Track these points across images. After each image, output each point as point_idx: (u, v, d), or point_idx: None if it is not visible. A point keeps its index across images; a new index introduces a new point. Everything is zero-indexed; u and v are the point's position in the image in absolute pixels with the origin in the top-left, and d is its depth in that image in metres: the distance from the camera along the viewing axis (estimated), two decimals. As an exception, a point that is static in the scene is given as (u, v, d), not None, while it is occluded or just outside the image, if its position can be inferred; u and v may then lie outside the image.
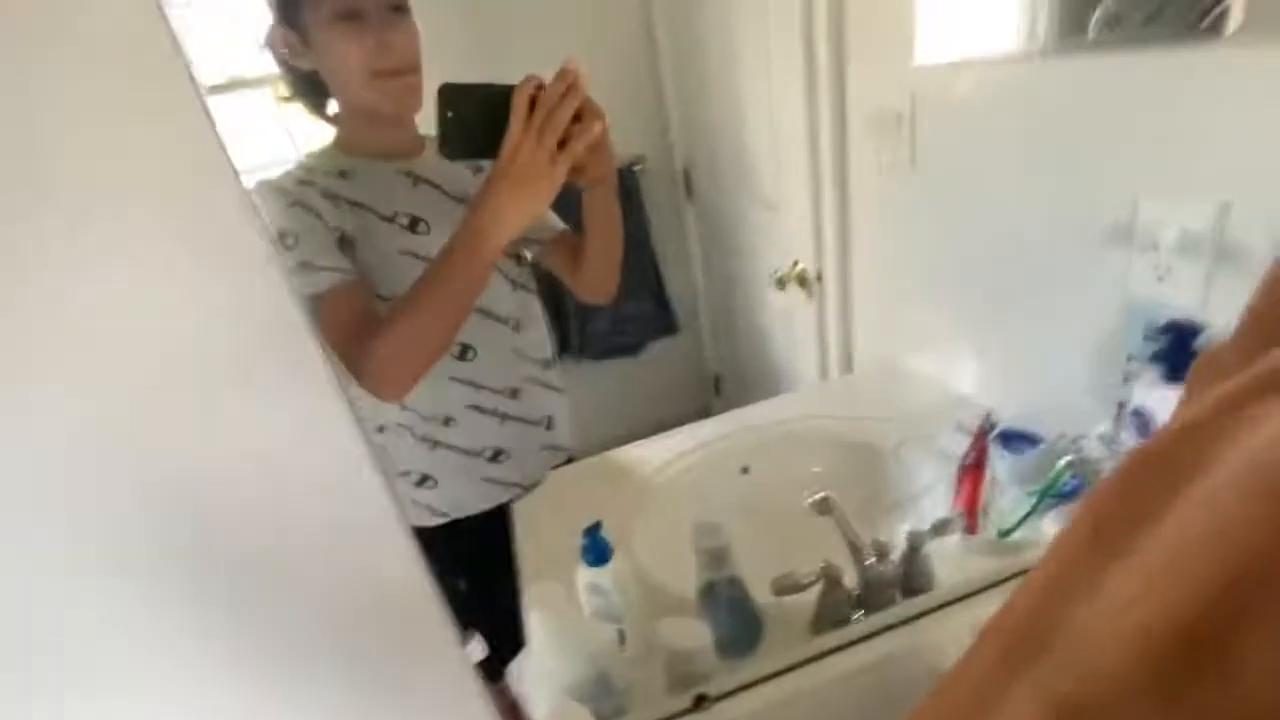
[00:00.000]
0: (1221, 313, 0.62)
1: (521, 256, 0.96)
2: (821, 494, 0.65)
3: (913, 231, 1.04)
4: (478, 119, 0.62)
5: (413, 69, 0.78)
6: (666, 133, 2.04)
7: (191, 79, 0.29)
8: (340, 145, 0.85)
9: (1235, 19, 0.51)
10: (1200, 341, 0.59)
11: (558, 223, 1.00)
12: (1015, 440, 0.82)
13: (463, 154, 0.67)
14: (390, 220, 0.82)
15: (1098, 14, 0.67)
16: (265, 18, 0.77)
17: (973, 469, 0.64)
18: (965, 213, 0.92)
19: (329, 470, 0.38)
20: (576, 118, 0.64)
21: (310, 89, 0.81)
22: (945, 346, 1.00)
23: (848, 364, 1.34)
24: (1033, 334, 0.86)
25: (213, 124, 0.30)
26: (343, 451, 0.37)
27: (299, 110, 0.85)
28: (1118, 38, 0.65)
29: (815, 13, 1.11)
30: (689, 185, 2.07)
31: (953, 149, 0.92)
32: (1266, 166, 0.55)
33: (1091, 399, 0.78)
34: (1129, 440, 0.64)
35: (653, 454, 0.98)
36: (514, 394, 0.94)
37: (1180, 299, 0.64)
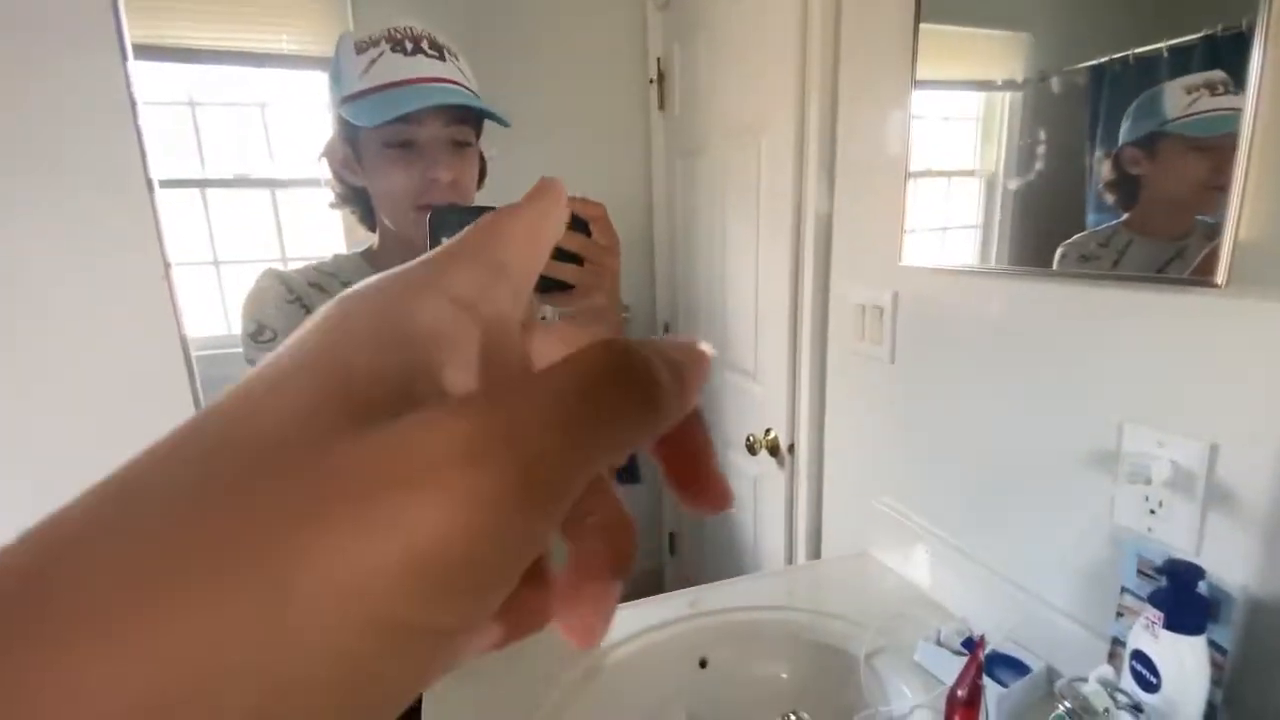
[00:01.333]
0: (1214, 555, 0.59)
1: None
2: (794, 716, 0.56)
3: (890, 423, 1.04)
4: None
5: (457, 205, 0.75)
6: (652, 286, 2.11)
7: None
8: (370, 257, 0.82)
9: (1223, 271, 0.54)
10: (1202, 587, 0.56)
11: None
12: (1000, 666, 0.75)
13: None
14: None
15: (1062, 250, 0.72)
16: (321, 129, 0.78)
17: (965, 707, 0.57)
18: (942, 414, 0.92)
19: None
20: (585, 230, 0.55)
21: (358, 201, 0.80)
22: (918, 545, 0.96)
23: (815, 546, 1.28)
24: (1012, 546, 0.83)
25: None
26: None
27: (345, 216, 0.84)
28: (1091, 272, 0.68)
29: (805, 200, 1.19)
30: (668, 339, 2.10)
31: (932, 350, 0.93)
32: (1256, 414, 0.55)
33: (1079, 627, 0.73)
34: (1131, 689, 0.58)
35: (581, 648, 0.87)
36: None
37: (1174, 536, 0.62)
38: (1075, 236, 0.71)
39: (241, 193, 1.90)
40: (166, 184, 1.80)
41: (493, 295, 0.14)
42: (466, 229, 0.15)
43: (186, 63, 1.75)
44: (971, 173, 0.85)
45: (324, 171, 0.80)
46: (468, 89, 0.71)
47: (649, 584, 2.46)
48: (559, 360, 0.12)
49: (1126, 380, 0.66)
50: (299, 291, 0.74)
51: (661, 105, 1.95)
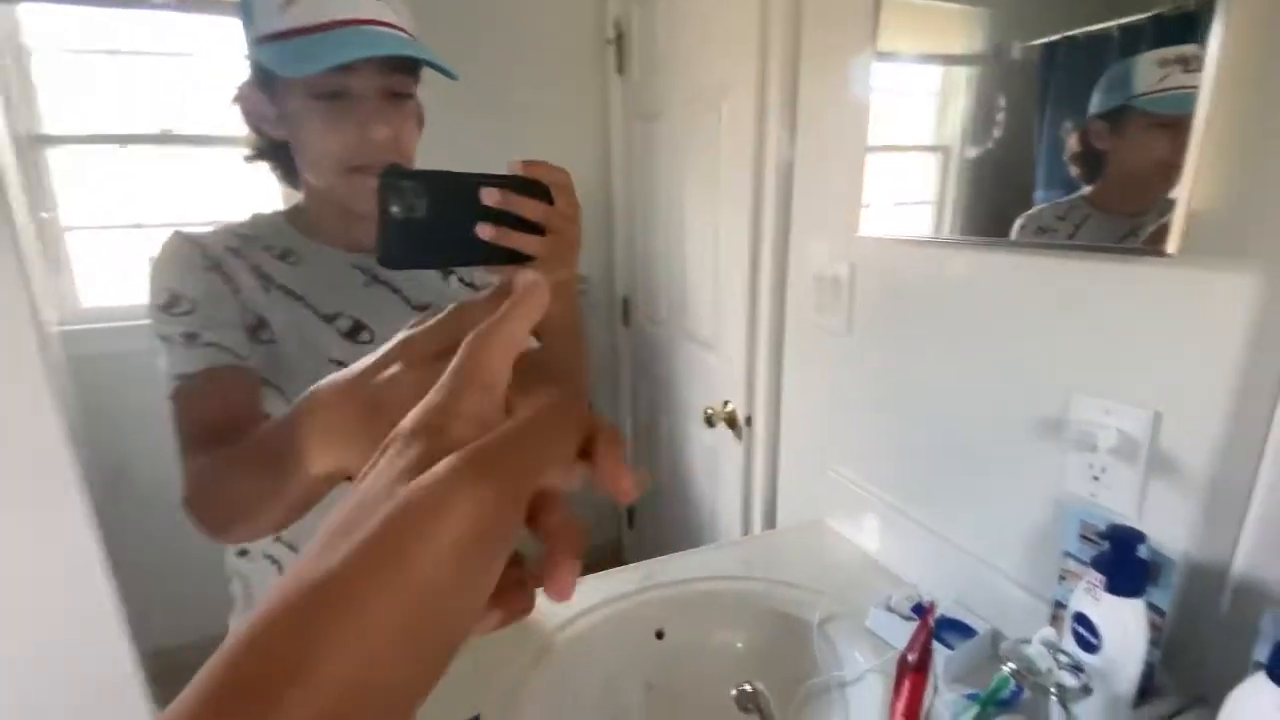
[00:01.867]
0: (1155, 521, 0.61)
1: None
2: (749, 686, 0.55)
3: (846, 394, 1.04)
4: (429, 216, 0.48)
5: (397, 166, 0.67)
6: (610, 255, 2.07)
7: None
8: (293, 219, 0.73)
9: (1174, 240, 0.54)
10: (1142, 551, 0.57)
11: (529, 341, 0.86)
12: (947, 629, 0.77)
13: (406, 261, 0.50)
14: (329, 321, 0.69)
15: (1021, 221, 0.72)
16: (237, 73, 0.67)
17: (915, 672, 0.58)
18: (897, 385, 0.93)
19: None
20: (548, 199, 0.50)
21: (278, 156, 0.70)
22: (871, 514, 0.97)
23: (771, 516, 1.29)
24: (961, 513, 0.84)
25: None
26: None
27: (263, 170, 0.73)
28: (1048, 242, 0.69)
29: (765, 170, 1.17)
30: (626, 313, 2.08)
31: (888, 322, 0.93)
32: (1198, 382, 0.57)
33: (1023, 591, 0.75)
34: (1072, 649, 0.60)
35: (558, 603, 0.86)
36: None
37: (1116, 502, 0.64)
38: (1034, 209, 0.71)
39: (167, 150, 1.76)
40: (78, 139, 1.67)
41: (488, 404, 0.23)
42: (460, 353, 0.24)
43: (106, 6, 1.60)
44: (929, 146, 0.84)
45: (238, 121, 0.70)
46: (406, 34, 0.63)
47: (608, 556, 2.47)
48: (523, 411, 0.22)
49: (1077, 350, 0.67)
50: (216, 257, 0.66)
51: (620, 69, 1.89)
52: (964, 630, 0.77)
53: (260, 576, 0.76)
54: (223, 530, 0.56)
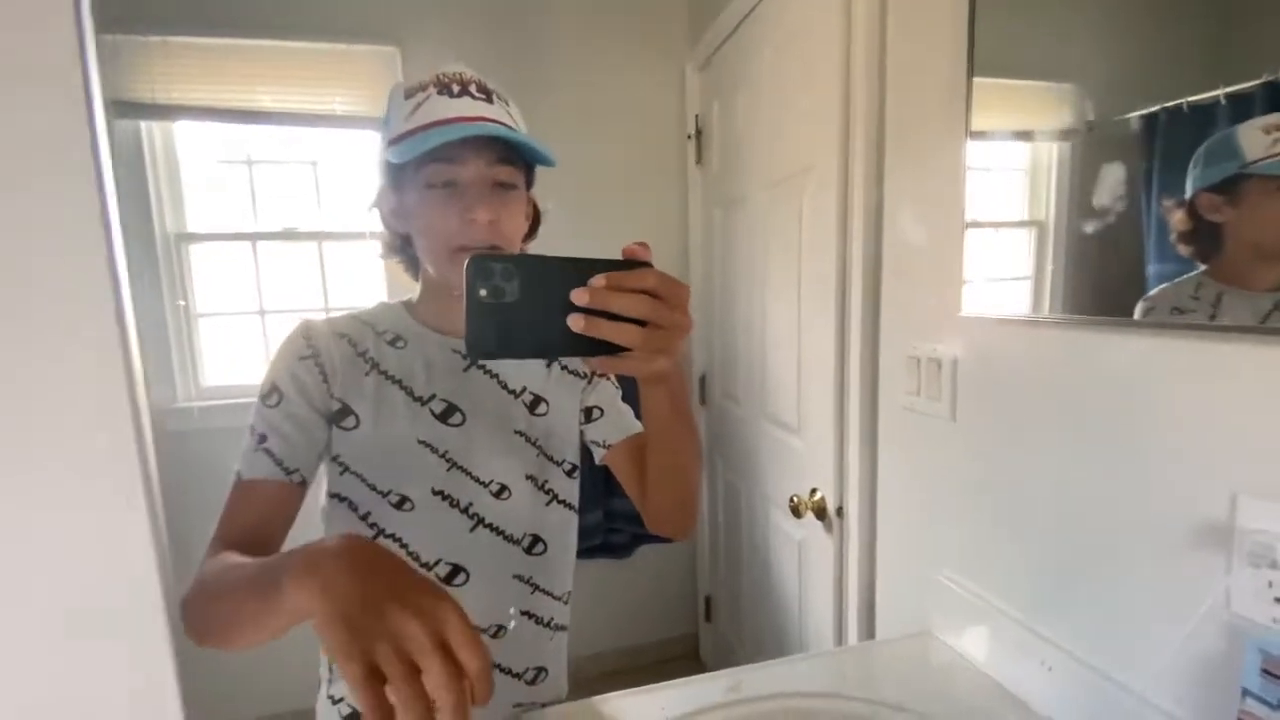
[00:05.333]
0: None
1: (574, 466, 0.83)
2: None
3: (952, 486, 0.95)
4: (519, 303, 0.46)
5: (498, 249, 0.69)
6: (687, 338, 2.07)
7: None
8: (410, 307, 0.79)
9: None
10: (1358, 700, 0.46)
11: (633, 424, 0.83)
12: (1097, 777, 0.65)
13: (494, 350, 0.47)
14: (424, 403, 0.73)
15: (1147, 303, 0.65)
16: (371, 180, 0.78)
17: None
18: (1014, 478, 0.84)
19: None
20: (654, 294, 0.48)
21: (405, 250, 0.78)
22: (988, 626, 0.86)
23: (869, 622, 1.17)
24: (1100, 632, 0.73)
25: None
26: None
27: (394, 266, 0.82)
28: (1189, 323, 0.62)
29: (850, 248, 1.14)
30: (703, 392, 2.05)
31: (1000, 407, 0.86)
32: None
33: (1189, 734, 0.62)
34: (1273, 823, 0.48)
35: (635, 710, 0.79)
36: (497, 632, 0.77)
37: (1311, 632, 0.53)
38: (1158, 288, 0.65)
39: (289, 245, 1.95)
40: (215, 236, 1.88)
41: None
42: None
43: (246, 124, 1.83)
44: (1024, 222, 0.81)
45: (375, 222, 0.78)
46: (512, 129, 0.68)
47: (684, 649, 2.33)
48: None
49: (1238, 445, 0.58)
50: (319, 345, 0.71)
51: (699, 160, 1.96)
52: (1116, 780, 0.64)
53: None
54: (200, 638, 0.56)
